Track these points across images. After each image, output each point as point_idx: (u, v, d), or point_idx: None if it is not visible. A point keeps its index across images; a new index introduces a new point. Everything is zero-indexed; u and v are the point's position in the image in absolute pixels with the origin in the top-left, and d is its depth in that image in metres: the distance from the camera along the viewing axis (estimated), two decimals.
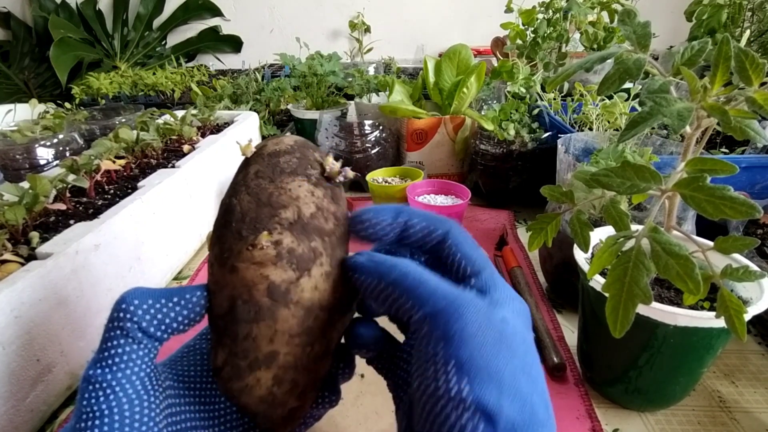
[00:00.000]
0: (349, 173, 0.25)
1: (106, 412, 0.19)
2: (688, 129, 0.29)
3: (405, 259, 0.22)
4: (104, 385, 0.19)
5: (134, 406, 0.20)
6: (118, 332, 0.20)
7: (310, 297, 0.22)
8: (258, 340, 0.22)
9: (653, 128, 0.55)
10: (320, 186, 0.24)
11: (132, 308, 0.20)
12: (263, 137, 0.91)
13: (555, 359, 0.41)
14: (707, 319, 0.31)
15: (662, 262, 0.26)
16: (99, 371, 0.20)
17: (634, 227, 0.31)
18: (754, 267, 0.29)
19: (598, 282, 0.34)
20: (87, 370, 0.20)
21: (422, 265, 0.22)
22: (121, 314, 0.20)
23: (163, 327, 0.21)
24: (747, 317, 0.27)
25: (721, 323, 0.29)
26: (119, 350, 0.20)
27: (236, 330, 0.22)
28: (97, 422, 0.19)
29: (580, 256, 0.38)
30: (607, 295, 0.34)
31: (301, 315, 0.22)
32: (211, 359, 0.23)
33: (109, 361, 0.20)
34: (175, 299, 0.21)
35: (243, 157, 0.25)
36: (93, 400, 0.19)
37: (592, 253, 0.40)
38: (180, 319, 0.21)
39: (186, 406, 0.23)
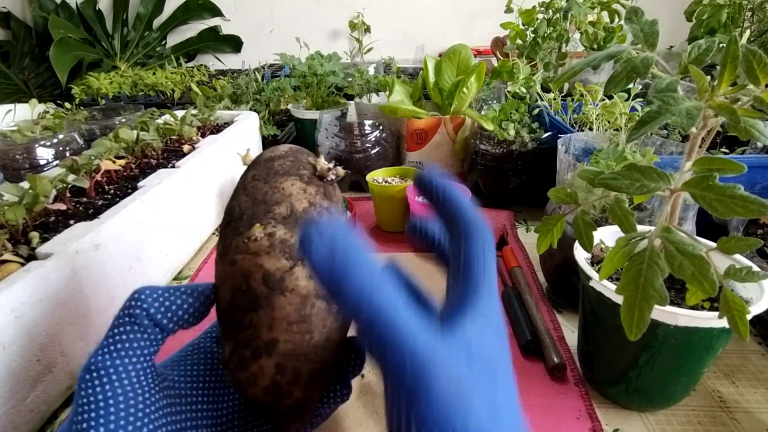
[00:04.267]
0: (340, 171, 0.27)
1: (102, 403, 0.19)
2: (694, 129, 0.29)
3: (383, 284, 0.17)
4: (102, 372, 0.20)
5: (129, 398, 0.20)
6: (127, 319, 0.21)
7: (305, 285, 0.23)
8: (258, 328, 0.23)
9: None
10: (312, 184, 0.25)
11: (143, 297, 0.21)
12: (263, 137, 0.91)
13: (555, 359, 0.41)
14: (708, 319, 0.31)
15: (676, 263, 0.26)
16: (100, 357, 0.20)
17: (637, 227, 0.31)
18: (756, 268, 0.29)
19: (598, 282, 0.34)
20: (89, 359, 0.20)
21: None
22: (133, 303, 0.21)
23: (169, 315, 0.22)
24: (748, 317, 0.27)
25: (721, 323, 0.29)
26: (123, 337, 0.21)
27: (238, 319, 0.23)
28: (93, 414, 0.19)
29: (581, 256, 0.38)
30: (609, 296, 0.34)
31: (297, 302, 0.23)
32: (221, 354, 0.24)
33: (112, 347, 0.20)
34: (183, 289, 0.23)
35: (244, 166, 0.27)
36: (90, 390, 0.20)
37: (592, 254, 0.40)
38: (186, 307, 0.22)
39: (189, 405, 0.23)
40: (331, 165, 0.26)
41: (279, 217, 0.24)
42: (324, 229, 0.16)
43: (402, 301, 0.17)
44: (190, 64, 1.58)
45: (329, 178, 0.26)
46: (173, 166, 0.60)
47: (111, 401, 0.19)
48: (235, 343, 0.23)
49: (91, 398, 0.19)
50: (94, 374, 0.20)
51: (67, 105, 1.00)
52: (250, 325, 0.23)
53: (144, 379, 0.21)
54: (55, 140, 0.72)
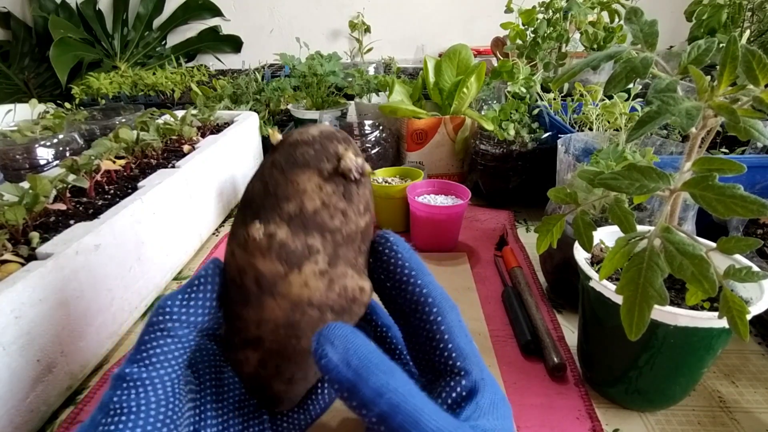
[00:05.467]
0: (366, 168, 0.24)
1: (134, 409, 0.20)
2: (693, 129, 0.29)
3: (395, 371, 0.18)
4: (138, 383, 0.20)
5: (160, 406, 0.20)
6: (159, 333, 0.21)
7: (298, 293, 0.22)
8: (246, 322, 0.23)
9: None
10: (331, 181, 0.23)
11: (168, 308, 0.22)
12: (263, 137, 0.91)
13: (555, 359, 0.41)
14: (707, 319, 0.31)
15: (676, 263, 0.26)
16: (135, 369, 0.21)
17: (637, 227, 0.31)
18: (755, 268, 0.29)
19: (598, 282, 0.34)
20: (122, 369, 0.21)
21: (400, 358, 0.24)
22: (161, 317, 0.22)
23: (199, 311, 0.22)
24: (748, 317, 0.27)
25: (721, 323, 0.29)
26: (158, 350, 0.21)
27: (231, 308, 0.23)
28: (123, 418, 0.19)
29: (581, 257, 0.38)
30: (609, 296, 0.34)
31: (287, 308, 0.22)
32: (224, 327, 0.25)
33: (146, 361, 0.21)
34: (196, 282, 0.23)
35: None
36: (124, 397, 0.20)
37: (592, 254, 0.40)
38: (203, 295, 0.23)
39: (199, 393, 0.24)
40: (358, 161, 0.23)
41: (285, 215, 0.22)
42: (334, 339, 0.18)
43: (416, 390, 0.18)
44: (190, 64, 1.58)
45: (352, 177, 0.23)
46: (173, 166, 0.60)
47: (143, 408, 0.20)
48: (228, 326, 0.24)
49: (124, 404, 0.20)
50: (130, 383, 0.20)
51: (67, 105, 1.00)
52: (240, 317, 0.23)
53: (177, 386, 0.22)
54: (55, 140, 0.72)
